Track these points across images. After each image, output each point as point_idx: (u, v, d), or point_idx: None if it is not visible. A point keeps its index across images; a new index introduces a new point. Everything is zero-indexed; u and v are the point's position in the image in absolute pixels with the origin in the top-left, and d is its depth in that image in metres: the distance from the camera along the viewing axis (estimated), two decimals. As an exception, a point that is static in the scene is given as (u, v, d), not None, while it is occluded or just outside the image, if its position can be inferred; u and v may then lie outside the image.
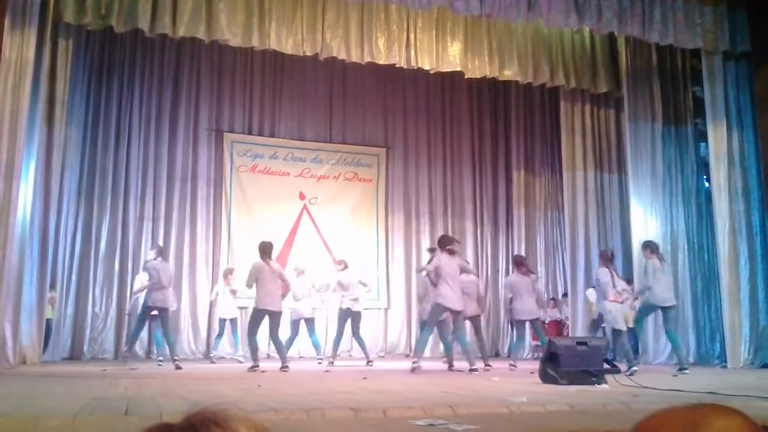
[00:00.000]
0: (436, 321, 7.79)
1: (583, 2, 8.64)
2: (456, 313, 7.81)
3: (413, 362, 7.61)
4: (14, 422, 3.06)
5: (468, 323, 8.89)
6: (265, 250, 8.11)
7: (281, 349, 8.07)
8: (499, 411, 3.54)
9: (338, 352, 9.38)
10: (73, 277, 10.43)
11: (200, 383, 5.80)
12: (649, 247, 8.04)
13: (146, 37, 9.57)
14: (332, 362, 8.95)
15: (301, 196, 12.20)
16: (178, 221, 11.39)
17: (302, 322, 9.33)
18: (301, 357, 10.72)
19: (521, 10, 8.54)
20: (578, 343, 5.86)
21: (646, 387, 5.01)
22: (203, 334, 11.19)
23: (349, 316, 9.06)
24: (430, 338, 8.49)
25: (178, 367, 7.92)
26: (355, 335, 9.26)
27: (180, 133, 11.60)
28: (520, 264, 8.94)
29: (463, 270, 8.06)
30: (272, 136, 12.24)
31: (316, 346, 9.60)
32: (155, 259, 8.63)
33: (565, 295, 11.81)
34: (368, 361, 9.09)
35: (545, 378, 5.71)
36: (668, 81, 10.38)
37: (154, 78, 11.48)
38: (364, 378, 6.35)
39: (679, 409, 0.81)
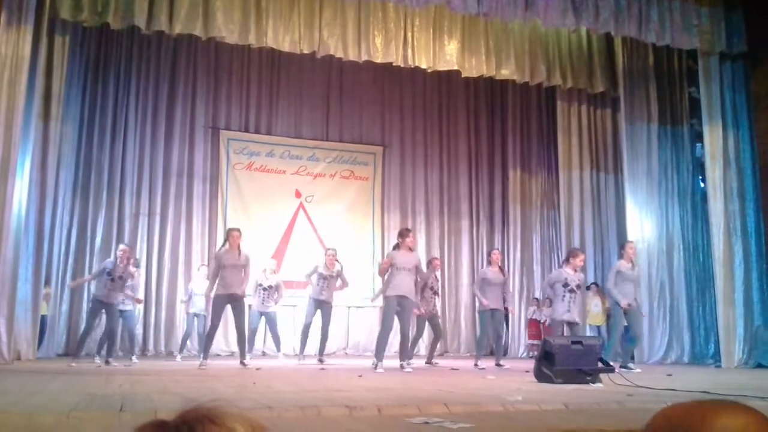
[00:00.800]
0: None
1: (580, 2, 8.65)
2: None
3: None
4: (8, 418, 3.06)
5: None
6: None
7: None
8: (494, 409, 3.54)
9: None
10: (69, 273, 10.39)
11: (195, 380, 5.79)
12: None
13: (143, 34, 9.55)
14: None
15: (297, 194, 12.19)
16: (173, 218, 11.37)
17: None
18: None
19: (518, 9, 8.55)
20: (573, 342, 5.87)
21: (640, 386, 5.02)
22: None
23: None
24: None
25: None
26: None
27: (176, 129, 11.59)
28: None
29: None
30: (269, 133, 12.23)
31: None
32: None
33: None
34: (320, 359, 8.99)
35: (540, 377, 5.73)
36: (665, 81, 10.41)
37: (151, 75, 11.46)
38: (360, 376, 6.36)
39: (694, 404, 0.81)
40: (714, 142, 9.24)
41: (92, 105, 10.98)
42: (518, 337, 12.12)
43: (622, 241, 8.58)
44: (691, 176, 10.21)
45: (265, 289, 9.42)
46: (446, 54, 9.90)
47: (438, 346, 9.90)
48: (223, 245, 8.08)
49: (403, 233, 8.00)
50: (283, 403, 3.57)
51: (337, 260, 9.18)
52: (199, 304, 9.61)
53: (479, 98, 13.44)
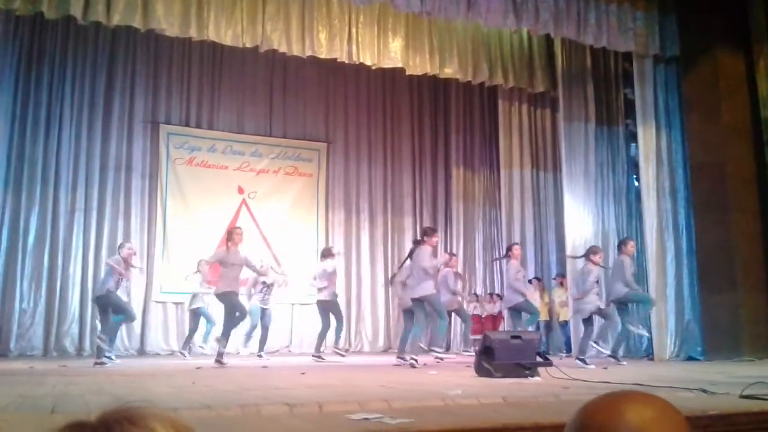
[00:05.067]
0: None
1: (521, 3, 8.79)
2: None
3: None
4: (-68, 422, 2.93)
5: None
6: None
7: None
8: (434, 404, 3.58)
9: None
10: (0, 271, 10.04)
11: (131, 380, 5.67)
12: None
13: (79, 25, 9.26)
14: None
15: (240, 190, 12.05)
16: (111, 213, 11.08)
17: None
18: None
19: (461, 9, 8.63)
20: (512, 337, 5.98)
21: (575, 379, 5.15)
22: (137, 330, 10.93)
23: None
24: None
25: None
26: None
27: (114, 123, 11.28)
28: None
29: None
30: (210, 128, 12.04)
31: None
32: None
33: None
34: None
35: (480, 371, 5.81)
36: (601, 82, 10.69)
37: (87, 66, 11.12)
38: (302, 373, 6.33)
39: (607, 397, 0.87)
40: (647, 142, 9.52)
41: (25, 96, 10.60)
42: (460, 332, 12.27)
43: (622, 239, 8.74)
44: (625, 175, 10.51)
45: (267, 286, 9.47)
46: (390, 51, 9.93)
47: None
48: (227, 244, 8.08)
49: (429, 232, 8.09)
50: (222, 402, 3.53)
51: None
52: (197, 300, 9.79)
53: (423, 96, 13.54)
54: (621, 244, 8.37)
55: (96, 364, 7.65)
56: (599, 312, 7.95)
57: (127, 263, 8.28)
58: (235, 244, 8.01)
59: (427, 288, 7.77)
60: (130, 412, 0.75)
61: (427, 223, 13.22)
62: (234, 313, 7.90)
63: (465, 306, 10.29)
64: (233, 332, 8.19)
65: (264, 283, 9.51)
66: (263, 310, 9.59)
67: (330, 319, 9.10)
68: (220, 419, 3.02)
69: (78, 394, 4.26)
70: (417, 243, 8.15)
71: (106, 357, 7.89)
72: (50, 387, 4.86)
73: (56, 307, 10.38)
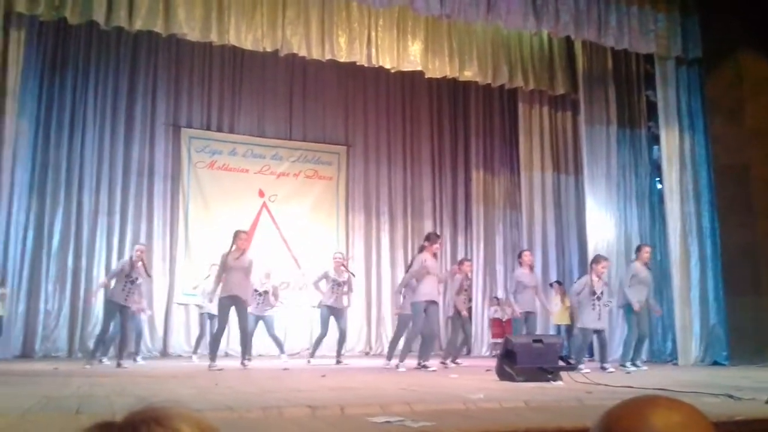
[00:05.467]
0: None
1: (540, 5, 8.75)
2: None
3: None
4: (-40, 422, 2.98)
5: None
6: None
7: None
8: (456, 407, 3.57)
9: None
10: (25, 274, 10.18)
11: (155, 381, 5.72)
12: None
13: (102, 30, 9.38)
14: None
15: (261, 194, 12.11)
16: (134, 216, 11.20)
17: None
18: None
19: (480, 11, 8.62)
20: (534, 341, 5.94)
21: (599, 384, 5.11)
22: (159, 332, 11.04)
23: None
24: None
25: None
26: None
27: (136, 127, 11.41)
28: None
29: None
30: (231, 132, 12.13)
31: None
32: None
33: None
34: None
35: (502, 375, 5.78)
36: (623, 84, 10.61)
37: (110, 71, 11.26)
38: (323, 376, 6.34)
39: (633, 402, 0.86)
40: (670, 144, 9.43)
41: (49, 101, 10.75)
42: (481, 336, 12.23)
43: (638, 245, 8.60)
44: (648, 178, 10.42)
45: (260, 294, 9.34)
46: (410, 54, 9.93)
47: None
48: (231, 248, 7.92)
49: (432, 238, 8.00)
50: (244, 404, 3.54)
51: (344, 266, 9.22)
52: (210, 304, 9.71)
53: (442, 99, 13.52)
54: (636, 251, 8.29)
55: (86, 365, 7.74)
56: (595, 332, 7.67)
57: (134, 264, 8.15)
58: (239, 248, 7.88)
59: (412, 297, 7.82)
60: (157, 412, 0.76)
61: (447, 226, 13.22)
62: (219, 319, 7.83)
63: (466, 311, 9.34)
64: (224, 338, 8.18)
65: (256, 290, 9.44)
66: (261, 318, 9.42)
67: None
68: (242, 421, 3.03)
69: (102, 395, 4.30)
70: (419, 250, 8.13)
71: (98, 359, 7.89)
72: (75, 388, 4.91)
73: (80, 308, 10.51)
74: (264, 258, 10.83)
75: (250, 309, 9.31)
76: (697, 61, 9.52)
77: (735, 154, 8.85)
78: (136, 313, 9.05)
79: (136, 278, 8.15)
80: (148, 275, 8.57)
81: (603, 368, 7.34)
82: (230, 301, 7.76)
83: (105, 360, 8.51)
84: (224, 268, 7.81)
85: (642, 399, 0.87)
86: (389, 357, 8.18)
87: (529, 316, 8.40)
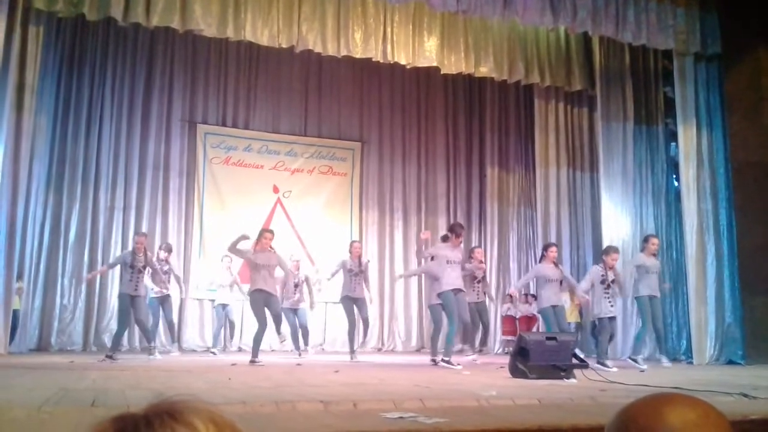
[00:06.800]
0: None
1: (557, 1, 8.70)
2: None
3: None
4: (-22, 413, 3.01)
5: None
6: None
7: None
8: (469, 404, 3.57)
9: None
10: (41, 268, 10.27)
11: (169, 375, 5.75)
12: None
13: (119, 26, 9.44)
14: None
15: (275, 189, 12.14)
16: (149, 212, 11.28)
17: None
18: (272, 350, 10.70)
19: (497, 7, 8.59)
20: (547, 338, 5.92)
21: (613, 382, 5.08)
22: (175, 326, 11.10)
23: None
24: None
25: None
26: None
27: (152, 123, 11.48)
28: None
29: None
30: (246, 128, 12.16)
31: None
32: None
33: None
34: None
35: (515, 372, 5.77)
36: (640, 81, 10.52)
37: (127, 67, 11.33)
38: (336, 371, 6.36)
39: (649, 399, 0.86)
40: (688, 141, 9.35)
41: (66, 97, 10.84)
42: (494, 333, 12.19)
43: (645, 235, 8.58)
44: (665, 175, 10.33)
45: (296, 285, 9.54)
46: (425, 50, 9.91)
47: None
48: (256, 245, 8.00)
49: (456, 228, 8.00)
50: (257, 399, 3.56)
51: (360, 256, 9.33)
52: (223, 296, 9.98)
53: (458, 95, 13.48)
54: (643, 241, 8.27)
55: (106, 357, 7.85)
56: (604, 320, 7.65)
57: (135, 254, 8.17)
58: (263, 247, 7.94)
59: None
60: (172, 406, 0.76)
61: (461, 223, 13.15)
62: (257, 317, 7.88)
63: (483, 302, 9.29)
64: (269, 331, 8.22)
65: (295, 284, 9.56)
66: (295, 311, 9.62)
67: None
68: (255, 415, 3.05)
69: (118, 388, 4.34)
70: (443, 239, 8.24)
71: (107, 357, 7.92)
72: (90, 381, 4.96)
73: (96, 303, 10.61)
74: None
75: (285, 304, 9.42)
76: (716, 57, 9.42)
77: (753, 152, 8.76)
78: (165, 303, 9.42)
79: (143, 267, 8.22)
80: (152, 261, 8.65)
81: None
82: (260, 295, 7.81)
83: (157, 354, 8.55)
84: (250, 264, 7.92)
85: (658, 396, 0.86)
86: (434, 353, 7.95)
87: (555, 310, 8.29)
